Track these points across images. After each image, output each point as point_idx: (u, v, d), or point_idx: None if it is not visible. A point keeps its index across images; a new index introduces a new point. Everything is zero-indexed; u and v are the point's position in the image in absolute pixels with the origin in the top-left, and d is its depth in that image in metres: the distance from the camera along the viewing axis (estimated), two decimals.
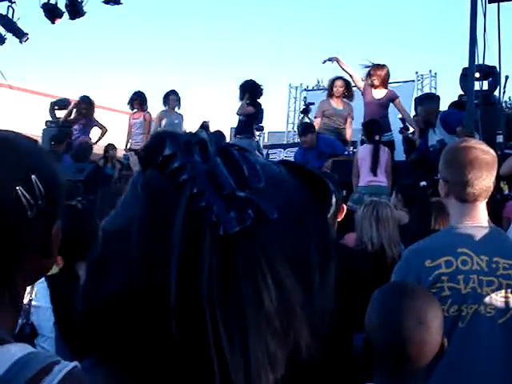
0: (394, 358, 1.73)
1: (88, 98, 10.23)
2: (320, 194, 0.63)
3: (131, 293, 0.56)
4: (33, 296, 2.57)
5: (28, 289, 2.49)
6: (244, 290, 0.52)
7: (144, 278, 0.56)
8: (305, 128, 8.11)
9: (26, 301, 2.51)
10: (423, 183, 5.54)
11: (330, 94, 8.62)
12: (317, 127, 8.32)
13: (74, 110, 10.36)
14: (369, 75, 8.24)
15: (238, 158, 0.57)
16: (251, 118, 8.98)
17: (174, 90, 9.67)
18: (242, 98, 8.81)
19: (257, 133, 12.71)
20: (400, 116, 8.73)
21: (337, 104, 8.53)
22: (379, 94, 8.16)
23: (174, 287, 0.52)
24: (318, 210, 0.62)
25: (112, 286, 0.58)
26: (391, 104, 8.28)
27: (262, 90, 8.94)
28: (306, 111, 9.92)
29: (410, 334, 1.70)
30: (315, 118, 8.93)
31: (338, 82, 8.53)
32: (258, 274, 0.53)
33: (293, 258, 0.57)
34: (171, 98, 9.53)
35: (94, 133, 10.45)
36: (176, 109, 9.65)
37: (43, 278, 2.46)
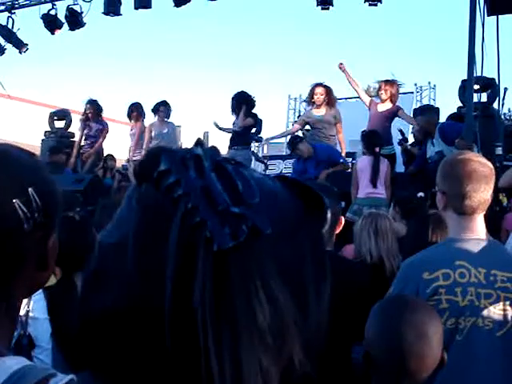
0: (394, 372, 1.73)
1: (91, 99, 10.23)
2: (315, 209, 0.63)
3: (127, 306, 0.56)
4: (30, 307, 2.57)
5: (25, 300, 2.49)
6: (237, 306, 0.52)
7: (139, 291, 0.56)
8: (292, 142, 8.01)
9: (23, 312, 2.51)
10: (420, 194, 5.55)
11: (311, 102, 8.41)
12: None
13: (81, 119, 10.35)
14: (379, 89, 8.26)
15: (232, 174, 0.57)
16: (248, 128, 9.01)
17: (163, 101, 9.66)
18: (235, 111, 8.77)
19: (256, 144, 12.78)
20: (399, 128, 8.74)
21: (317, 112, 8.29)
22: (384, 107, 8.16)
23: (169, 301, 0.53)
24: (313, 225, 0.63)
25: (108, 299, 0.58)
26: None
27: (255, 100, 8.93)
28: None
29: (410, 348, 1.70)
30: (294, 124, 8.89)
31: (318, 89, 8.24)
32: (251, 290, 0.53)
33: (287, 273, 0.57)
34: (160, 109, 9.55)
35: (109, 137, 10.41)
36: (165, 119, 9.64)
37: (40, 289, 2.45)
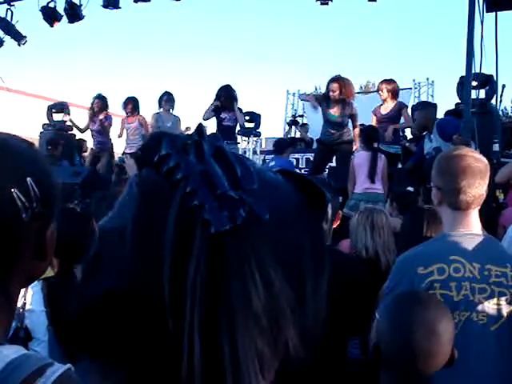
0: (403, 367, 1.75)
1: (99, 94, 10.29)
2: (316, 202, 0.65)
3: (126, 290, 0.57)
4: (27, 299, 2.57)
5: (22, 292, 2.50)
6: (232, 288, 0.53)
7: (138, 275, 0.57)
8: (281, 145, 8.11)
9: (19, 304, 2.51)
10: (409, 188, 5.56)
11: (328, 99, 8.01)
12: None
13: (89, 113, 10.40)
14: (378, 90, 8.25)
15: (232, 160, 0.58)
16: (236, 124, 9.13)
17: (167, 92, 9.69)
18: (223, 105, 8.84)
19: (254, 138, 12.80)
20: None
21: (333, 110, 7.97)
22: (386, 108, 8.15)
23: (167, 284, 0.54)
24: (313, 217, 0.64)
25: (107, 284, 0.59)
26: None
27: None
28: (294, 123, 9.90)
29: (421, 345, 1.73)
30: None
31: (333, 85, 7.89)
32: (247, 273, 0.54)
33: (283, 260, 0.58)
34: (164, 100, 9.56)
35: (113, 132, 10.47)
36: (170, 110, 9.67)
37: (37, 281, 2.46)
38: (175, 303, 0.54)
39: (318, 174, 7.60)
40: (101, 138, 10.20)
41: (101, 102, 10.19)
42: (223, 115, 8.94)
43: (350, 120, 8.08)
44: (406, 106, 8.31)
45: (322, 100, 8.08)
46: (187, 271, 0.53)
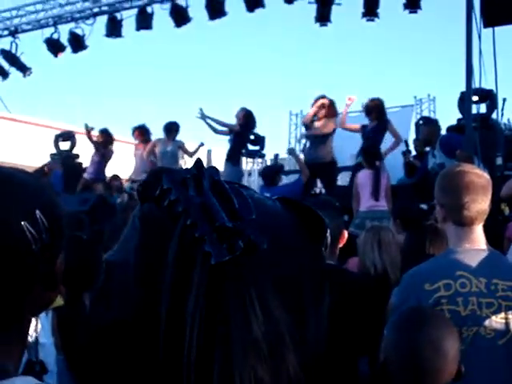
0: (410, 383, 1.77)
1: (104, 129, 10.38)
2: (315, 228, 0.67)
3: (130, 321, 0.60)
4: (38, 333, 2.60)
5: (33, 325, 2.52)
6: (232, 317, 0.55)
7: (141, 306, 0.59)
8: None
9: (32, 339, 2.54)
10: (423, 206, 5.56)
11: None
12: None
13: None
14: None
15: (229, 192, 0.61)
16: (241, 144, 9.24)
17: (170, 122, 9.79)
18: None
19: (259, 160, 12.85)
20: (405, 138, 8.77)
21: (317, 123, 8.25)
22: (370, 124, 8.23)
23: (165, 313, 0.56)
24: (312, 243, 0.66)
25: (113, 315, 0.61)
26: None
27: None
28: (292, 152, 9.99)
29: (427, 363, 1.75)
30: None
31: (321, 102, 8.24)
32: (246, 302, 0.56)
33: (283, 287, 0.60)
34: (169, 129, 9.67)
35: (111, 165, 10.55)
36: (172, 138, 9.76)
37: (45, 313, 2.49)
38: (174, 335, 0.56)
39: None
40: (96, 166, 10.27)
41: (104, 137, 10.23)
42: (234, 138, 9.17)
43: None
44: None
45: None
46: (187, 305, 0.56)
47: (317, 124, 8.29)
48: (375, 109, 8.02)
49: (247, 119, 9.16)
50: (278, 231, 0.63)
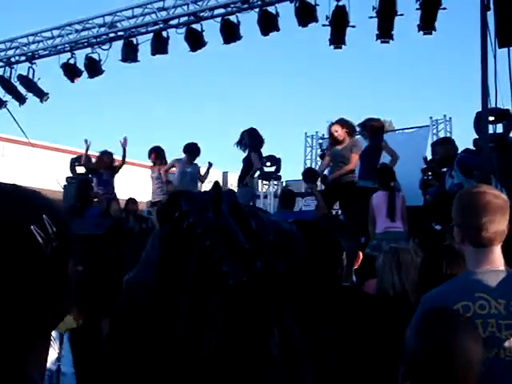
0: None
1: (105, 151, 10.50)
2: (330, 249, 0.68)
3: (150, 341, 0.60)
4: (61, 361, 2.61)
5: (56, 353, 2.55)
6: (250, 336, 0.56)
7: (161, 326, 0.60)
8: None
9: (54, 367, 2.57)
10: (438, 227, 5.53)
11: (333, 142, 8.43)
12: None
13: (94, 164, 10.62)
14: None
15: (246, 214, 0.62)
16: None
17: (195, 144, 9.87)
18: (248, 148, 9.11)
19: (275, 182, 12.88)
20: (424, 155, 8.74)
21: (338, 145, 8.31)
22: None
23: (182, 332, 0.57)
24: (327, 264, 0.67)
25: (134, 336, 0.62)
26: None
27: None
28: (323, 157, 10.04)
29: (457, 374, 1.84)
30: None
31: (334, 127, 8.34)
32: (264, 321, 0.57)
33: (300, 307, 0.61)
34: (192, 151, 9.75)
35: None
36: (192, 160, 9.83)
37: (68, 345, 2.52)
38: (192, 354, 0.57)
39: None
40: (103, 188, 10.37)
41: (107, 159, 10.38)
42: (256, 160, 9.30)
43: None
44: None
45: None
46: (205, 325, 0.56)
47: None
48: (369, 128, 8.16)
49: (249, 138, 9.26)
50: (294, 253, 0.64)
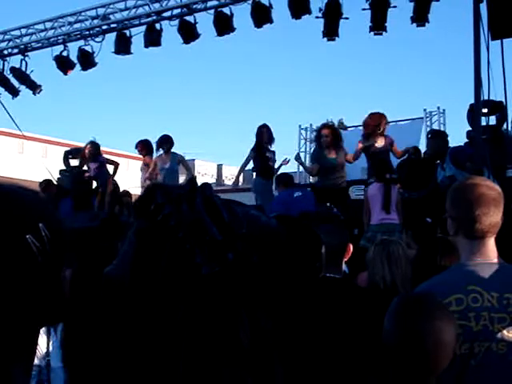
0: (411, 370, 1.91)
1: (92, 141, 10.46)
2: (310, 243, 0.68)
3: (126, 329, 0.61)
4: (50, 356, 2.62)
5: (45, 349, 2.55)
6: (220, 326, 0.56)
7: (136, 319, 0.60)
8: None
9: (43, 363, 2.57)
10: (428, 220, 5.54)
11: (319, 145, 8.25)
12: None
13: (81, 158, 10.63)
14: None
15: (220, 207, 0.61)
16: None
17: (163, 135, 9.81)
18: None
19: None
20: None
21: (329, 153, 8.10)
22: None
23: (156, 325, 0.56)
24: (304, 258, 0.67)
25: (111, 325, 0.62)
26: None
27: None
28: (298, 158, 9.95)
29: (428, 355, 1.88)
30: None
31: (325, 131, 8.16)
32: (235, 312, 0.57)
33: (272, 299, 0.61)
34: (161, 146, 9.71)
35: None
36: (168, 152, 9.78)
37: (56, 338, 2.51)
38: (166, 341, 0.57)
39: None
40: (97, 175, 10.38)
41: (91, 148, 10.35)
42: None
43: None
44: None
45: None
46: (178, 315, 0.56)
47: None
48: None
49: (257, 136, 9.21)
50: (270, 246, 0.63)
